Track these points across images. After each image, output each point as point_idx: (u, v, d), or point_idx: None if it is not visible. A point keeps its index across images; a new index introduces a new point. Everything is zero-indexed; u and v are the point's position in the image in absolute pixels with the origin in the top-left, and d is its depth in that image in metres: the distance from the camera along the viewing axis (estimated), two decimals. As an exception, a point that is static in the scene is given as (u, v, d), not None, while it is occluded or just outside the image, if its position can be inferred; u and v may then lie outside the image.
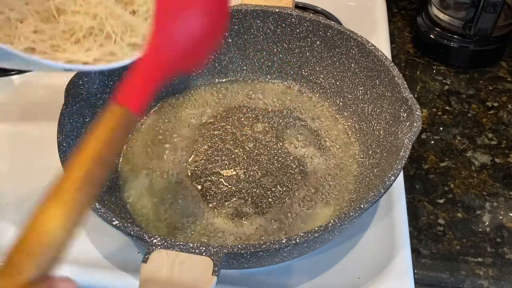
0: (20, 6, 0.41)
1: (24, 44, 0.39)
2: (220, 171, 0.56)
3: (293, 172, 0.56)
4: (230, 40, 0.64)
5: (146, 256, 0.38)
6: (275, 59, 0.65)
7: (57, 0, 0.42)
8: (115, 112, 0.31)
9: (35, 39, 0.40)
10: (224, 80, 0.66)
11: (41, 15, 0.42)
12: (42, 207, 0.27)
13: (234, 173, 0.56)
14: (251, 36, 0.64)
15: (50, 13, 0.42)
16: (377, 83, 0.56)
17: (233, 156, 0.58)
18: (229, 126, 0.61)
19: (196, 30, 0.37)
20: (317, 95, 0.64)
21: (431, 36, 0.78)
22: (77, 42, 0.42)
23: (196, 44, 0.37)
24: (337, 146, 0.59)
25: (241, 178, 0.55)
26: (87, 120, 0.54)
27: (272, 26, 0.63)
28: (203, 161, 0.57)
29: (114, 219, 0.42)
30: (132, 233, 0.41)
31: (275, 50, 0.64)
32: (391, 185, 0.44)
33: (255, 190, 0.54)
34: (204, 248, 0.39)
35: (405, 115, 0.50)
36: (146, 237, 0.40)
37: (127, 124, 0.31)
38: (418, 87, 0.76)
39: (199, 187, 0.54)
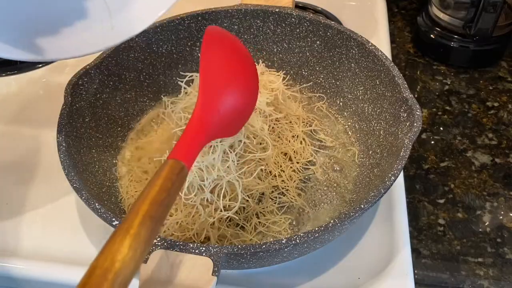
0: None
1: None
2: (220, 171, 0.56)
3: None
4: (230, 40, 0.64)
5: (146, 256, 0.38)
6: (275, 59, 0.65)
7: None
8: (170, 164, 0.37)
9: None
10: (224, 80, 0.66)
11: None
12: (112, 239, 0.30)
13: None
14: (251, 36, 0.64)
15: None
16: (377, 83, 0.55)
17: (233, 156, 0.57)
18: (229, 126, 0.61)
19: (233, 106, 0.46)
20: (317, 95, 0.64)
21: (431, 36, 0.78)
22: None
23: (233, 117, 0.46)
24: (337, 146, 0.59)
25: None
26: (87, 120, 0.54)
27: (272, 26, 0.62)
28: (203, 161, 0.57)
29: (114, 219, 0.42)
30: (132, 233, 0.41)
31: (275, 50, 0.64)
32: (391, 185, 0.44)
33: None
34: (204, 248, 0.39)
35: (405, 115, 0.49)
36: (146, 237, 0.40)
37: (179, 173, 0.37)
38: (418, 87, 0.76)
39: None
